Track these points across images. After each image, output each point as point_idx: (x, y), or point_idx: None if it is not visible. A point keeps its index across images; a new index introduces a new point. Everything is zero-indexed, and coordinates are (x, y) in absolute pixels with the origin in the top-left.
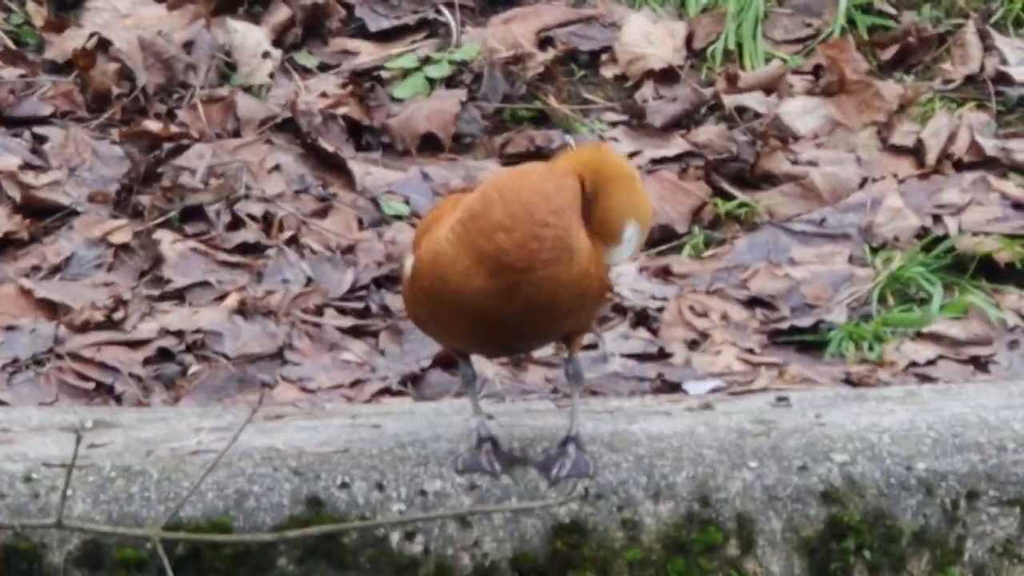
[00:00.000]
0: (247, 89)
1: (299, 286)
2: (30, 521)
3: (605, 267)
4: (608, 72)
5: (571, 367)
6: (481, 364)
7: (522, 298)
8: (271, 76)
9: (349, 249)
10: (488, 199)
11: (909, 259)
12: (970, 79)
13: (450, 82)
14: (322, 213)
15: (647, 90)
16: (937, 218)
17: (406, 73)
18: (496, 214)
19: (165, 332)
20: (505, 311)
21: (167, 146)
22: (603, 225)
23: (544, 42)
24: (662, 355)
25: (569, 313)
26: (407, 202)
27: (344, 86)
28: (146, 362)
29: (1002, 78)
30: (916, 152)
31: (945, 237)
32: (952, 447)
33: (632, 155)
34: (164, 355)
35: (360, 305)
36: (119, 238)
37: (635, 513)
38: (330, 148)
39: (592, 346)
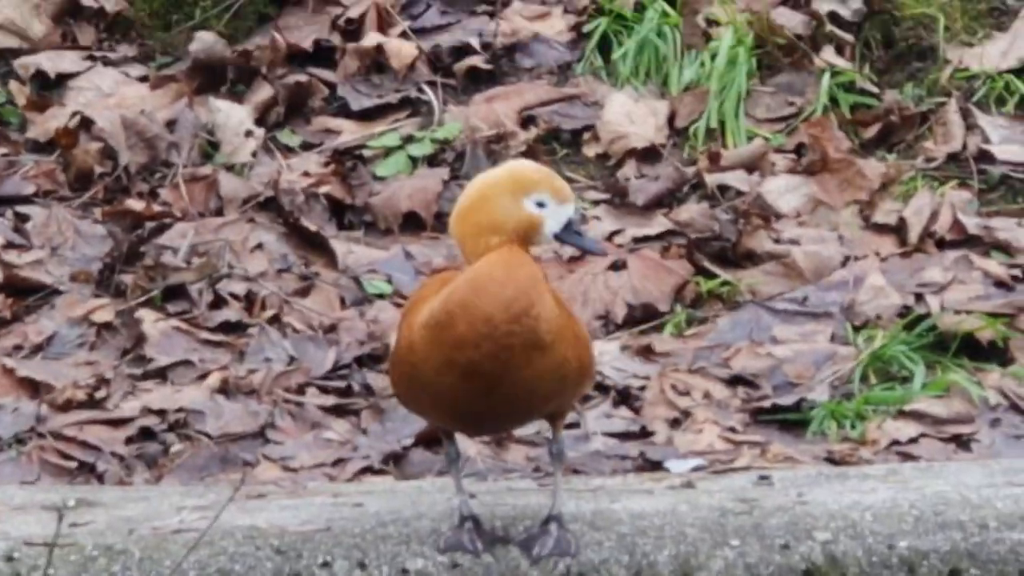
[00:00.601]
0: (230, 168)
1: (281, 365)
2: None
3: (587, 348)
4: (590, 151)
5: (554, 446)
6: (463, 443)
7: (499, 395)
8: (254, 155)
9: (331, 328)
10: (451, 314)
11: (891, 337)
12: (952, 157)
13: (432, 160)
14: (304, 292)
15: (629, 169)
16: (919, 296)
17: (388, 152)
18: (460, 329)
19: (147, 411)
20: (481, 405)
21: (149, 225)
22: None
23: (526, 121)
24: (644, 433)
25: (548, 400)
26: (389, 281)
27: (326, 164)
28: (128, 441)
29: (984, 156)
30: (898, 230)
31: (927, 315)
32: (934, 525)
33: (614, 234)
34: (146, 434)
35: (342, 384)
36: (101, 317)
37: None
38: (312, 227)
39: (574, 425)
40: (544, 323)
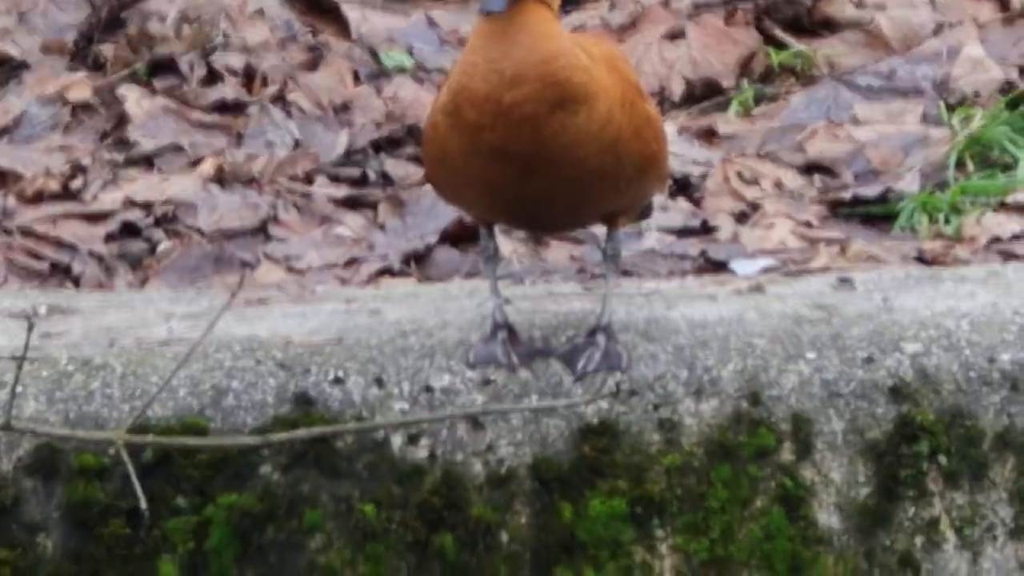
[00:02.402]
0: None
1: (285, 150)
2: None
3: (652, 126)
4: None
5: (610, 244)
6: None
7: (540, 177)
8: None
9: (343, 107)
10: (455, 102)
11: (991, 118)
12: None
13: None
14: (312, 65)
15: None
16: None
17: None
18: (470, 116)
19: (130, 204)
20: (524, 191)
21: None
22: None
23: None
24: (706, 229)
25: (603, 179)
26: (410, 52)
27: None
28: (108, 238)
29: None
30: None
31: None
32: None
33: None
34: (129, 230)
35: (356, 172)
36: (77, 95)
37: (674, 412)
38: None
39: None
40: (564, 70)
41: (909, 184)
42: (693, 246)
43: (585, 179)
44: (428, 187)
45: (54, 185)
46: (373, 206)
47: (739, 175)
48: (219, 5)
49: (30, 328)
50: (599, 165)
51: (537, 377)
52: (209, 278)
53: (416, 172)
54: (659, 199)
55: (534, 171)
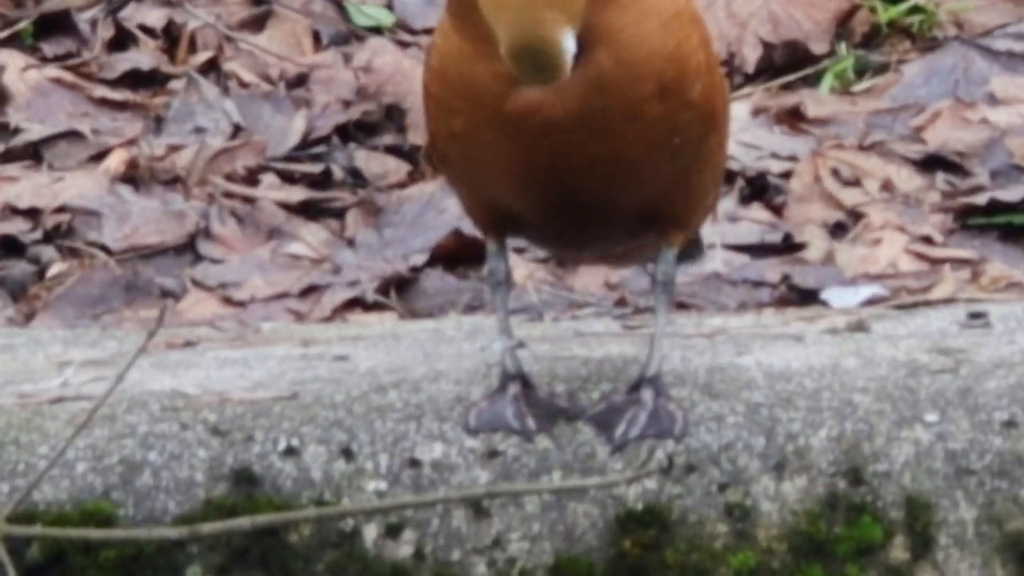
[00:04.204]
0: None
1: (220, 139)
2: None
3: (711, 76)
4: None
5: (660, 267)
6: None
7: (572, 155)
8: None
9: (299, 81)
10: (430, 91)
11: None
12: None
13: None
14: (257, 23)
15: None
16: None
17: None
18: (455, 104)
19: (10, 211)
20: (554, 176)
21: None
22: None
23: None
24: (790, 246)
25: (658, 150)
26: (389, 7)
27: None
28: None
29: None
30: None
31: None
32: None
33: None
34: (9, 247)
35: (316, 169)
36: None
37: (747, 495)
38: None
39: None
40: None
41: None
42: (773, 269)
43: (635, 149)
44: (414, 190)
45: None
46: (339, 214)
47: (835, 173)
48: None
49: None
50: (649, 130)
51: (561, 447)
52: (118, 312)
53: (397, 168)
54: (727, 205)
55: (562, 149)
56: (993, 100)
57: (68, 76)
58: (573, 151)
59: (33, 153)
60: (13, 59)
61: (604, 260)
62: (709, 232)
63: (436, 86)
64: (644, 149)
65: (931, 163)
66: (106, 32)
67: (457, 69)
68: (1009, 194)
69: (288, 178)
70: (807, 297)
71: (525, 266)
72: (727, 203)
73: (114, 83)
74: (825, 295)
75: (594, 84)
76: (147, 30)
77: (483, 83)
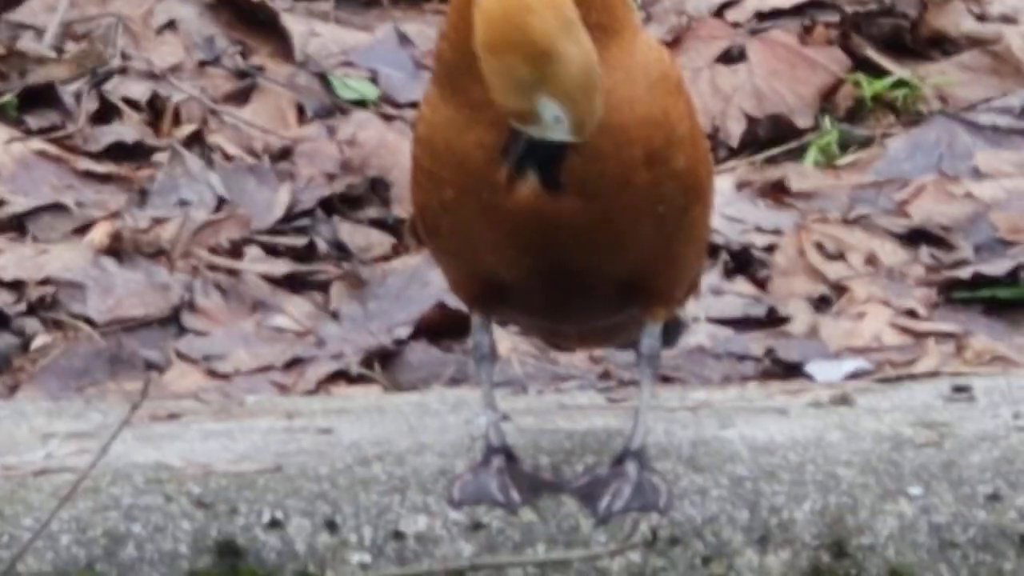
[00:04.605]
0: None
1: (205, 212)
2: None
3: (697, 147)
4: None
5: (645, 341)
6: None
7: (561, 232)
8: None
9: (283, 154)
10: (418, 162)
11: None
12: None
13: None
14: (241, 97)
15: None
16: None
17: None
18: (444, 175)
19: None
20: (543, 245)
21: None
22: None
23: None
24: (774, 320)
25: (649, 195)
26: (374, 80)
27: None
28: None
29: None
30: None
31: None
32: None
33: (726, 6)
34: None
35: (300, 241)
36: None
37: (731, 568)
38: None
39: None
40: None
41: None
42: (756, 342)
43: (632, 209)
44: (398, 263)
45: None
46: (323, 287)
47: (819, 247)
48: (116, 16)
49: None
50: (641, 190)
51: (545, 520)
52: (102, 384)
53: (381, 241)
54: (711, 278)
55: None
56: (977, 174)
57: (52, 149)
58: (561, 219)
59: (17, 225)
60: None
61: (588, 340)
62: (693, 306)
63: (425, 157)
64: (629, 218)
65: (915, 237)
66: (90, 105)
67: (445, 138)
68: (993, 268)
69: (272, 251)
70: (791, 370)
71: (510, 339)
72: (711, 276)
73: (98, 156)
74: (809, 368)
75: (584, 149)
76: (131, 103)
77: (471, 151)
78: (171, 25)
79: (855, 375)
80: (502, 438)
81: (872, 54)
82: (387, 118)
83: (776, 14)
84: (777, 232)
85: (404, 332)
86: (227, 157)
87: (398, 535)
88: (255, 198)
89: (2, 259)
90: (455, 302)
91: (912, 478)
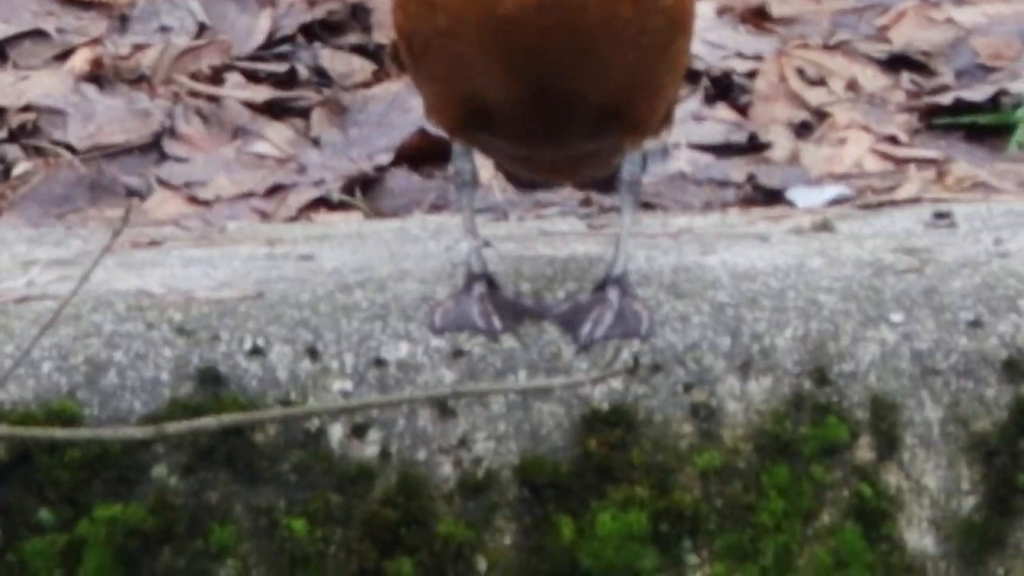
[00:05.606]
0: None
1: (186, 38)
2: None
3: None
4: None
5: (627, 167)
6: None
7: (546, 52)
8: None
9: None
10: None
11: None
12: None
13: None
14: None
15: None
16: None
17: None
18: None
19: None
20: (529, 64)
21: None
22: None
23: None
24: (755, 146)
25: (640, 23)
26: None
27: None
28: None
29: None
30: None
31: None
32: None
33: None
34: None
35: (281, 68)
36: None
37: (712, 395)
38: None
39: None
40: None
41: None
42: (737, 169)
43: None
44: (379, 89)
45: None
46: (304, 114)
47: (800, 73)
48: None
49: None
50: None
51: (526, 347)
52: (83, 211)
53: (362, 67)
54: (691, 105)
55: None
56: (958, 0)
57: None
58: (549, 46)
59: None
60: None
61: (563, 171)
62: (674, 132)
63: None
64: (612, 46)
65: (896, 63)
66: None
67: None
68: (974, 94)
69: (253, 77)
70: (772, 197)
71: (490, 168)
72: (692, 103)
73: None
74: (790, 195)
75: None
76: None
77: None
78: None
79: (836, 201)
80: (483, 264)
81: None
82: None
83: None
84: (758, 58)
85: (385, 158)
86: None
87: (379, 362)
88: (236, 24)
89: None
90: (436, 129)
91: (893, 304)
